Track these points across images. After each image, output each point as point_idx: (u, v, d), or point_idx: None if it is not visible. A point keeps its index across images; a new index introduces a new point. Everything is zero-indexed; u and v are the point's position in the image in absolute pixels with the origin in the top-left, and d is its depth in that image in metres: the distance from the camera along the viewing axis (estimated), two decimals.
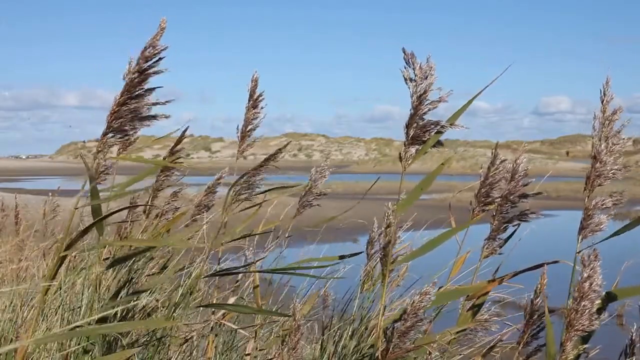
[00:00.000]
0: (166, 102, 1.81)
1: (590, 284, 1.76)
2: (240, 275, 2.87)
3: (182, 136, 2.74)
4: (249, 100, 2.50)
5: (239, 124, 2.55)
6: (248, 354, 2.57)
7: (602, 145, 1.92)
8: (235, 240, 2.64)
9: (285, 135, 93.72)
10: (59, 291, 2.60)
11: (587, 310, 1.77)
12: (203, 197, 2.81)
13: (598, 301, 1.79)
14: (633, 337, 1.88)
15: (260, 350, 2.68)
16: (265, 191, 2.61)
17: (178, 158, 2.79)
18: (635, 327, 1.89)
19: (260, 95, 2.50)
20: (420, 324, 1.95)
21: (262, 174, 2.45)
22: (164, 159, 2.73)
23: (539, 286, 2.02)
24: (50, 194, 5.53)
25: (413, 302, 1.95)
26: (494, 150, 2.30)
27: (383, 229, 2.34)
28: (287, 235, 2.87)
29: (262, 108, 2.52)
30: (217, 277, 2.75)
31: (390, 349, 1.98)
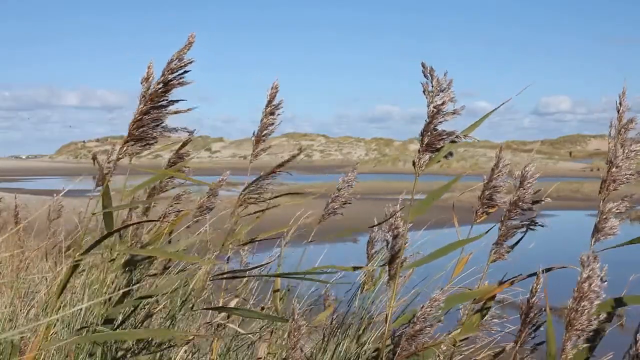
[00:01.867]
0: (188, 109, 1.84)
1: (590, 285, 1.78)
2: (245, 278, 2.88)
3: (188, 140, 2.76)
4: (267, 106, 2.55)
5: (255, 130, 2.60)
6: (259, 358, 2.59)
7: (620, 151, 2.01)
8: (245, 244, 2.65)
9: (285, 135, 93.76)
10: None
11: (586, 310, 1.79)
12: (205, 199, 2.81)
13: (597, 301, 1.80)
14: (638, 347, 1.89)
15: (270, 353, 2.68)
16: (278, 196, 2.63)
17: (183, 161, 2.81)
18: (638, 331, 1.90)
19: (279, 103, 2.56)
20: (429, 328, 1.98)
21: (273, 178, 2.49)
22: (169, 160, 2.74)
23: (535, 286, 2.04)
24: (55, 194, 5.54)
25: (422, 306, 1.99)
26: (498, 153, 2.31)
27: (390, 236, 2.35)
28: (309, 240, 2.89)
29: (278, 115, 2.58)
30: (223, 279, 2.75)
31: (398, 351, 2.00)
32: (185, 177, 2.46)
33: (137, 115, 1.79)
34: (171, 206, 2.98)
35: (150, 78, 1.84)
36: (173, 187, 2.92)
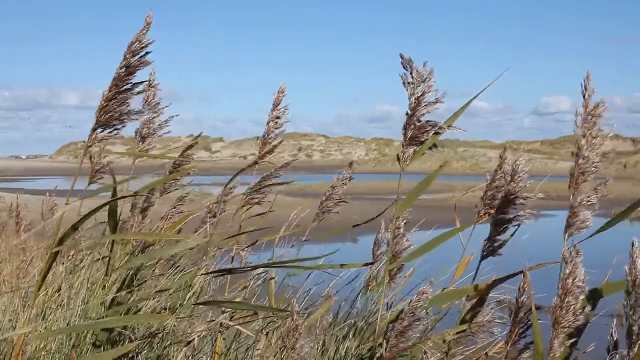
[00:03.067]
0: (149, 85, 1.84)
1: (573, 280, 1.76)
2: (248, 277, 2.88)
3: (195, 141, 2.78)
4: (273, 110, 2.56)
5: (261, 134, 2.62)
6: (259, 349, 2.57)
7: (583, 141, 1.90)
8: (230, 237, 2.63)
9: (285, 135, 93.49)
10: (59, 291, 2.60)
11: (571, 307, 1.77)
12: (214, 205, 2.80)
13: (582, 297, 1.79)
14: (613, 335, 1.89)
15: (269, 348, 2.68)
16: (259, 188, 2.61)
17: (188, 162, 2.81)
18: (614, 323, 1.89)
19: (285, 107, 2.56)
20: (417, 322, 1.95)
21: (276, 178, 2.50)
22: (174, 162, 2.74)
23: (523, 284, 2.03)
24: (47, 193, 5.53)
25: (410, 301, 1.96)
26: (502, 153, 2.30)
27: (391, 230, 2.34)
28: (303, 239, 2.88)
29: (285, 122, 2.59)
30: (226, 278, 2.75)
31: (388, 348, 1.98)
32: (194, 165, 2.44)
33: (102, 102, 1.79)
34: (174, 207, 2.98)
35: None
36: (176, 189, 2.91)
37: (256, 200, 2.61)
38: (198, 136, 2.83)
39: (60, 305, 2.52)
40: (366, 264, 2.51)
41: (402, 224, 2.30)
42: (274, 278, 2.75)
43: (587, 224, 1.94)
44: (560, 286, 1.78)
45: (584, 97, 1.91)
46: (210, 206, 2.92)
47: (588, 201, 1.95)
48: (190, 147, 2.78)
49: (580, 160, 1.92)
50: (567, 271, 1.76)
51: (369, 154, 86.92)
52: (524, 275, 2.00)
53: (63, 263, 2.95)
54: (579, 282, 1.76)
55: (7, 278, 3.80)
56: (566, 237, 1.94)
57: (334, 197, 2.83)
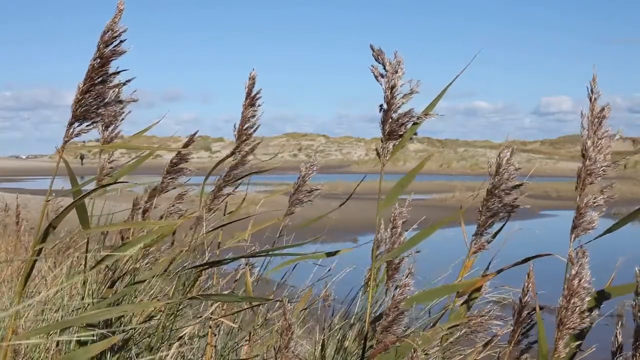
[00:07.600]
0: (127, 82, 1.79)
1: (579, 281, 1.75)
2: (239, 275, 2.86)
3: (192, 139, 2.73)
4: (246, 99, 2.48)
5: (236, 123, 2.53)
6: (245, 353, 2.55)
7: (589, 142, 1.89)
8: (211, 231, 2.61)
9: (286, 135, 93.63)
10: (59, 292, 2.60)
11: (577, 308, 1.76)
12: (210, 200, 2.76)
13: (588, 298, 1.78)
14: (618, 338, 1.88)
15: (256, 356, 2.66)
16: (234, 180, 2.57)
17: (185, 161, 2.77)
18: (619, 325, 1.88)
19: (257, 93, 2.48)
20: (401, 317, 1.93)
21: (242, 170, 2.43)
22: (171, 161, 2.71)
23: (527, 284, 2.01)
24: (54, 194, 5.52)
25: (393, 295, 1.93)
26: (509, 155, 2.26)
27: (390, 229, 2.33)
28: (278, 235, 2.82)
29: (259, 106, 2.49)
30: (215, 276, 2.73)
31: (374, 344, 1.96)
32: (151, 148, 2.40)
33: (78, 95, 1.74)
34: (172, 205, 2.93)
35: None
36: (174, 188, 2.89)
37: (225, 192, 2.52)
38: (194, 135, 2.77)
39: (60, 308, 2.51)
40: (347, 250, 2.49)
41: (400, 222, 2.28)
42: (252, 266, 2.71)
43: (593, 225, 1.92)
44: (566, 287, 1.76)
45: (590, 99, 1.89)
46: (204, 204, 2.90)
47: (594, 202, 1.93)
48: (187, 145, 2.73)
49: (587, 162, 1.90)
50: (574, 272, 1.75)
51: (369, 153, 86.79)
52: (528, 276, 1.99)
53: (64, 263, 2.94)
54: (585, 283, 1.75)
55: (7, 278, 3.79)
56: (572, 238, 1.92)
57: (304, 188, 2.69)
